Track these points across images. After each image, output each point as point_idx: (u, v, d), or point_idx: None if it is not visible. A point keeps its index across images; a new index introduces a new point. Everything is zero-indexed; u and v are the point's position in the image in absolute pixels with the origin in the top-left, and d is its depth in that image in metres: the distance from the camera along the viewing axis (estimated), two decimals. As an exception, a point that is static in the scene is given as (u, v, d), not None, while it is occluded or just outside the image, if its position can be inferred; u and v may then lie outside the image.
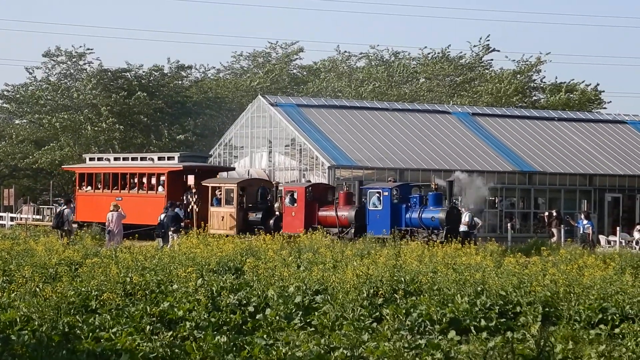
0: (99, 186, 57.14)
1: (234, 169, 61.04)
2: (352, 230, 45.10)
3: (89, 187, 57.53)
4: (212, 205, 50.09)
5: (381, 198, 45.34)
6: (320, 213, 47.31)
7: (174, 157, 55.36)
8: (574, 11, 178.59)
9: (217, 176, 54.53)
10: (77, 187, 59.18)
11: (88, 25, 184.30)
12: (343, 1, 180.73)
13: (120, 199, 52.91)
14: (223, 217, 49.12)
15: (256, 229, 44.72)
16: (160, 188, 53.15)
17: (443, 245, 35.80)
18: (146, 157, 58.26)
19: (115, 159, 59.83)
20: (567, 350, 16.87)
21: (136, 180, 55.03)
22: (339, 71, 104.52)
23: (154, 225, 46.32)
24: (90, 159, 61.18)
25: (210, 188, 50.49)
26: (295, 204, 47.25)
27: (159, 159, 56.26)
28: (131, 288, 22.77)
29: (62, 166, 75.10)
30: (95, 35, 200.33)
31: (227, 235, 42.45)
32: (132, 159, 58.60)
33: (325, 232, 43.69)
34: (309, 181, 54.88)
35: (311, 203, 47.39)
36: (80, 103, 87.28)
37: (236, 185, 49.77)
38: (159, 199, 51.64)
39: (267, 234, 40.06)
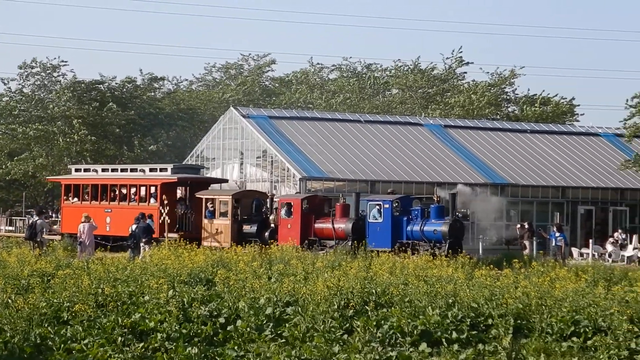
0: (87, 197, 55.96)
1: (227, 180, 60.14)
2: (350, 243, 43.68)
3: (76, 199, 56.30)
4: (205, 217, 49.41)
5: (382, 210, 44.51)
6: (316, 225, 46.31)
7: (166, 169, 54.23)
8: (548, 24, 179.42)
9: (209, 188, 53.68)
10: (63, 198, 57.86)
11: (63, 38, 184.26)
12: (316, 13, 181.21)
13: (109, 210, 52.74)
14: (217, 229, 48.44)
15: (251, 242, 44.36)
16: (152, 200, 52.22)
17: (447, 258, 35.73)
18: (137, 169, 56.91)
19: (104, 170, 58.49)
20: (539, 363, 16.92)
21: (126, 191, 54.01)
22: (311, 83, 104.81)
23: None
24: (77, 170, 59.94)
25: (204, 200, 49.80)
26: (291, 216, 46.46)
27: (151, 170, 54.91)
28: (103, 299, 22.72)
29: (47, 177, 73.22)
30: (70, 47, 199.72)
31: (222, 248, 42.18)
32: (122, 170, 57.48)
33: (321, 244, 43.99)
34: (299, 192, 54.35)
35: (307, 215, 46.41)
36: (53, 114, 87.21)
37: (231, 197, 49.00)
38: (152, 211, 50.34)
39: (263, 246, 40.09)
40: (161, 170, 54.00)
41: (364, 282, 25.57)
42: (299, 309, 22.26)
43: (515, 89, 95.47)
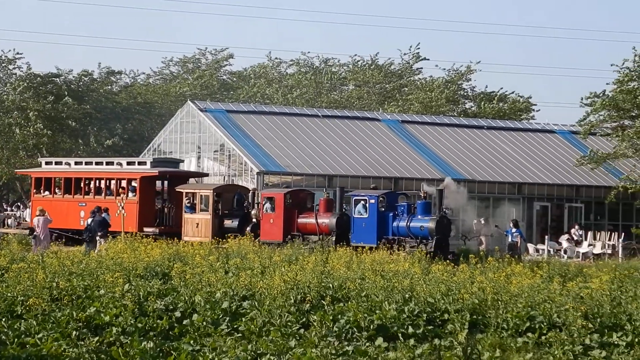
0: (58, 191, 55.12)
1: (207, 174, 59.37)
2: (333, 238, 43.41)
3: (47, 192, 55.25)
4: (185, 212, 48.85)
5: (367, 206, 43.94)
6: (299, 220, 45.93)
7: (145, 162, 53.66)
8: (506, 22, 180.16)
9: (188, 182, 53.13)
10: (34, 192, 56.76)
11: (18, 30, 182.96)
12: (274, 8, 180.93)
13: (84, 204, 51.85)
14: (198, 224, 47.95)
15: (232, 237, 43.59)
16: (131, 194, 51.40)
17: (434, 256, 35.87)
18: (113, 162, 55.99)
19: (77, 163, 57.43)
20: (495, 359, 17.02)
21: (103, 185, 53.31)
22: (269, 77, 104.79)
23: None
24: (47, 163, 58.72)
25: (184, 194, 49.39)
26: (274, 211, 45.95)
27: (129, 163, 54.20)
28: (58, 293, 22.63)
29: (17, 170, 71.80)
30: (26, 40, 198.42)
31: (201, 243, 41.34)
32: (97, 163, 56.59)
33: (304, 240, 43.50)
34: (288, 186, 53.77)
35: (290, 210, 46.10)
36: (9, 106, 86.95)
37: (212, 191, 48.57)
38: (131, 205, 50.32)
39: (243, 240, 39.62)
40: (139, 163, 53.44)
41: (320, 277, 25.60)
42: (256, 303, 22.25)
43: (474, 87, 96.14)
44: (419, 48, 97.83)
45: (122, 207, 50.42)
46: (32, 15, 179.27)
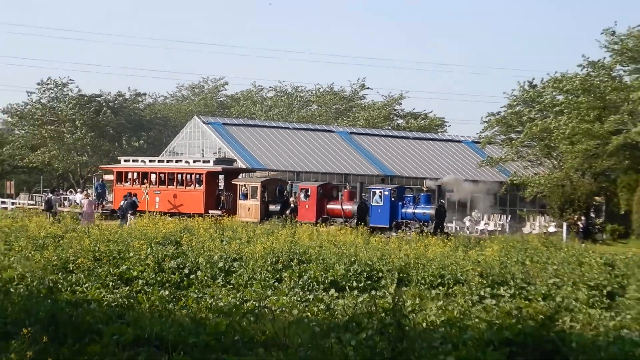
0: (136, 182, 52.39)
1: (255, 170, 56.76)
2: (355, 221, 42.31)
3: (127, 183, 52.76)
4: (239, 199, 47.22)
5: (382, 196, 42.78)
6: (328, 206, 44.57)
7: (209, 161, 51.69)
8: (427, 59, 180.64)
9: (239, 176, 51.12)
10: (115, 182, 54.25)
11: (71, 62, 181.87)
12: (259, 48, 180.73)
13: (158, 192, 50.57)
14: (249, 208, 46.43)
15: (275, 217, 43.32)
16: (198, 185, 49.61)
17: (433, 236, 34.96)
18: (181, 160, 53.96)
19: (150, 160, 55.05)
20: (415, 305, 17.16)
21: (173, 177, 50.69)
22: (254, 99, 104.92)
23: (194, 213, 44.59)
24: (125, 161, 55.99)
25: (239, 185, 47.82)
26: (309, 199, 44.74)
27: (195, 161, 52.08)
28: (99, 255, 22.62)
29: (100, 166, 68.33)
30: (77, 70, 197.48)
31: (252, 222, 40.83)
32: (168, 161, 54.70)
33: (332, 221, 42.46)
34: (317, 181, 51.83)
35: (321, 198, 44.63)
36: (62, 119, 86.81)
37: (260, 183, 47.05)
38: (199, 193, 49.05)
39: (284, 222, 39.00)
40: (204, 162, 51.65)
41: (290, 245, 25.66)
42: (243, 263, 22.31)
43: (404, 108, 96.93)
44: (364, 80, 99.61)
45: (147, 194, 50.07)
46: (82, 49, 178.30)
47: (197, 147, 66.08)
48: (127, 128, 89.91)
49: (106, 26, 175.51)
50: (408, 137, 74.27)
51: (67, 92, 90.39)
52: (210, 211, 47.08)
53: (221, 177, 50.33)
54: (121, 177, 53.67)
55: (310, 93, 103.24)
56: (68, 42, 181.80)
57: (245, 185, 47.58)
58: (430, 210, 41.58)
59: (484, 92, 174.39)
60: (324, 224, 41.39)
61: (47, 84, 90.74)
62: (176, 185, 50.56)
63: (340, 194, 46.02)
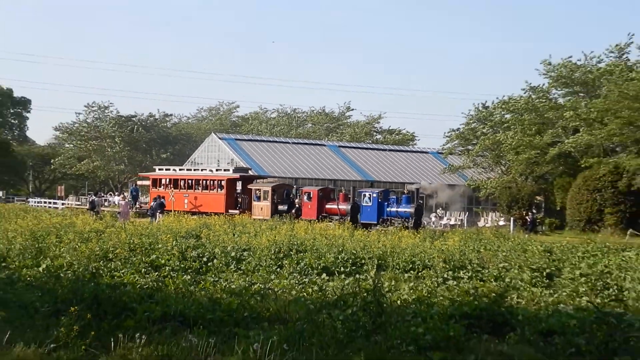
0: (169, 187, 51.79)
1: (266, 177, 56.14)
2: (348, 218, 41.76)
3: (161, 188, 52.21)
4: (254, 200, 46.97)
5: (371, 198, 42.32)
6: (327, 206, 44.22)
7: (229, 169, 51.19)
8: (404, 87, 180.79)
9: (254, 182, 50.13)
10: (151, 187, 53.79)
11: (112, 89, 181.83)
12: (264, 77, 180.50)
13: (187, 195, 50.11)
14: (262, 208, 46.06)
15: (283, 215, 42.94)
16: (219, 189, 49.19)
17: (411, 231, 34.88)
18: (206, 169, 53.05)
19: (180, 169, 54.58)
20: (391, 286, 17.09)
21: (200, 183, 50.33)
22: (260, 119, 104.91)
23: (216, 212, 44.31)
24: (159, 169, 55.41)
25: (253, 189, 47.43)
26: (311, 200, 44.35)
27: (217, 170, 51.33)
28: (133, 246, 22.52)
29: (139, 173, 67.54)
30: (116, 96, 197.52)
31: (264, 219, 40.71)
32: (195, 169, 53.98)
33: (329, 219, 42.21)
34: (312, 185, 51.75)
35: (321, 200, 44.32)
36: (104, 135, 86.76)
37: (270, 188, 46.57)
38: (221, 196, 48.64)
39: (288, 219, 38.65)
40: (225, 170, 51.07)
41: (290, 238, 25.61)
42: (251, 253, 22.23)
43: (382, 125, 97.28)
44: (350, 102, 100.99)
45: (172, 196, 49.86)
46: (120, 77, 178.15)
47: (214, 158, 66.02)
48: (157, 142, 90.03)
49: (141, 58, 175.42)
50: (385, 149, 74.31)
51: (108, 114, 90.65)
52: (229, 210, 46.85)
53: (239, 182, 50.00)
54: (156, 182, 53.39)
55: (305, 114, 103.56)
56: (109, 72, 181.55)
57: (258, 189, 47.24)
58: (410, 209, 41.31)
59: (446, 112, 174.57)
60: (323, 220, 41.14)
61: (92, 107, 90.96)
62: (201, 190, 50.28)
63: (336, 196, 45.68)
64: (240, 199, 49.08)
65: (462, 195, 54.82)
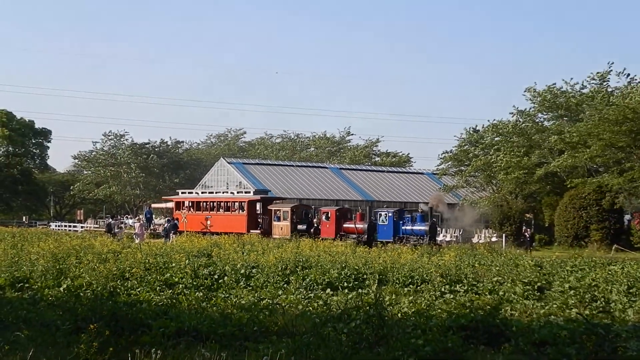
0: (192, 209, 51.22)
1: (285, 198, 55.95)
2: (365, 237, 41.39)
3: (184, 209, 51.39)
4: (274, 220, 46.37)
5: (387, 217, 41.76)
6: (344, 225, 43.49)
7: (250, 191, 50.94)
8: (394, 111, 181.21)
9: (273, 203, 49.54)
10: (175, 209, 52.99)
11: (125, 119, 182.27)
12: (266, 105, 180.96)
13: (209, 216, 49.52)
14: (282, 227, 45.47)
15: (302, 235, 42.26)
16: (241, 210, 48.58)
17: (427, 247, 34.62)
18: (228, 191, 52.27)
19: (202, 192, 54.09)
20: (392, 299, 17.02)
21: (222, 205, 49.74)
22: (266, 144, 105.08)
23: (238, 232, 43.62)
24: (182, 192, 55.05)
25: (273, 210, 46.89)
26: (329, 220, 43.86)
27: (238, 192, 51.10)
28: (148, 265, 22.47)
29: (163, 197, 65.51)
30: (132, 125, 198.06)
31: (284, 238, 40.16)
32: (217, 192, 53.35)
33: (347, 237, 41.65)
34: (338, 206, 50.80)
35: (339, 219, 43.60)
36: (120, 162, 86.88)
37: (290, 208, 46.14)
38: (243, 217, 48.01)
39: (308, 238, 38.05)
40: (245, 192, 50.75)
41: (295, 255, 25.55)
42: (259, 270, 22.15)
43: (380, 148, 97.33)
44: (349, 127, 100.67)
45: (185, 217, 49.71)
46: (135, 107, 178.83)
47: (223, 181, 65.93)
48: (169, 168, 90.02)
49: (152, 89, 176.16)
50: (383, 171, 74.24)
51: (124, 142, 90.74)
52: (251, 231, 46.17)
53: (259, 204, 49.37)
54: (179, 205, 52.87)
55: (308, 139, 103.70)
56: (125, 103, 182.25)
57: (278, 209, 46.75)
58: (425, 227, 40.85)
59: (439, 135, 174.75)
60: (341, 239, 40.70)
61: (109, 135, 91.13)
62: (223, 211, 49.71)
63: (353, 215, 44.98)
64: (260, 220, 48.44)
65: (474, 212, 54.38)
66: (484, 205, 56.58)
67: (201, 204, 51.36)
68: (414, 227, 41.33)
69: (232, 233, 43.68)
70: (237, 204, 49.37)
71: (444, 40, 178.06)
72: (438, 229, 55.38)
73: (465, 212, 50.86)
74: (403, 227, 41.67)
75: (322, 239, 38.15)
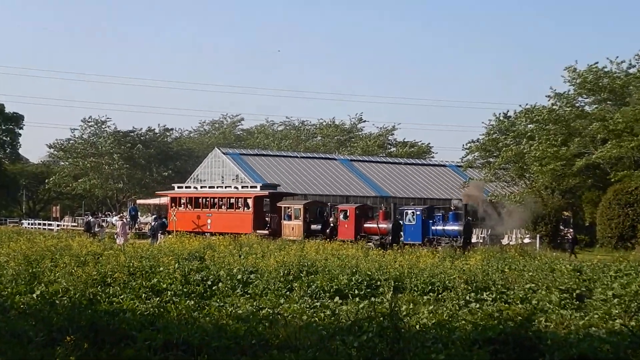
0: (189, 206, 50.91)
1: (296, 194, 55.15)
2: (389, 238, 40.89)
3: (181, 207, 51.09)
4: (284, 219, 45.76)
5: (415, 215, 41.38)
6: (365, 225, 43.02)
7: (256, 186, 50.18)
8: (417, 96, 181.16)
9: (283, 199, 48.94)
10: (170, 206, 52.25)
11: (109, 102, 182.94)
12: (270, 88, 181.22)
13: (210, 214, 49.05)
14: (293, 227, 44.94)
15: (317, 236, 41.99)
16: (246, 208, 47.75)
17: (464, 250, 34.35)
18: (231, 186, 51.78)
19: (202, 187, 52.92)
20: (409, 309, 16.99)
21: (224, 201, 49.06)
22: (266, 133, 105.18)
23: (242, 233, 42.54)
24: (179, 187, 54.85)
25: (283, 207, 46.36)
26: (348, 219, 43.32)
27: (243, 187, 50.13)
28: (133, 269, 22.51)
29: (157, 192, 65.53)
30: (114, 110, 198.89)
31: (295, 240, 39.57)
32: (218, 187, 52.28)
33: (368, 239, 41.24)
34: (357, 203, 49.96)
35: (359, 218, 43.15)
36: (101, 152, 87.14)
37: (302, 206, 45.63)
38: (248, 215, 47.32)
39: (326, 240, 37.88)
40: (251, 187, 50.12)
41: (299, 258, 25.51)
42: (259, 275, 22.16)
43: (396, 137, 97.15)
44: (362, 114, 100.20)
45: (175, 215, 49.68)
46: (118, 90, 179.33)
47: (217, 174, 65.90)
48: (157, 159, 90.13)
49: (137, 70, 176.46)
50: (400, 163, 74.26)
51: (105, 129, 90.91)
52: (258, 231, 45.36)
53: (266, 200, 48.82)
54: (175, 201, 52.29)
55: (314, 127, 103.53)
56: (106, 85, 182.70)
57: (289, 207, 46.22)
58: (458, 227, 40.47)
59: (465, 123, 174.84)
60: (362, 240, 40.26)
61: (89, 122, 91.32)
62: (226, 209, 49.01)
63: (375, 214, 44.41)
64: (268, 218, 47.72)
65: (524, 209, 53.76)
66: (516, 201, 56.41)
67: (200, 200, 50.78)
68: (446, 227, 40.93)
69: (236, 234, 42.80)
70: (241, 200, 48.43)
71: (466, 18, 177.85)
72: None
73: (511, 211, 50.30)
74: (433, 228, 41.24)
75: (341, 241, 37.77)
